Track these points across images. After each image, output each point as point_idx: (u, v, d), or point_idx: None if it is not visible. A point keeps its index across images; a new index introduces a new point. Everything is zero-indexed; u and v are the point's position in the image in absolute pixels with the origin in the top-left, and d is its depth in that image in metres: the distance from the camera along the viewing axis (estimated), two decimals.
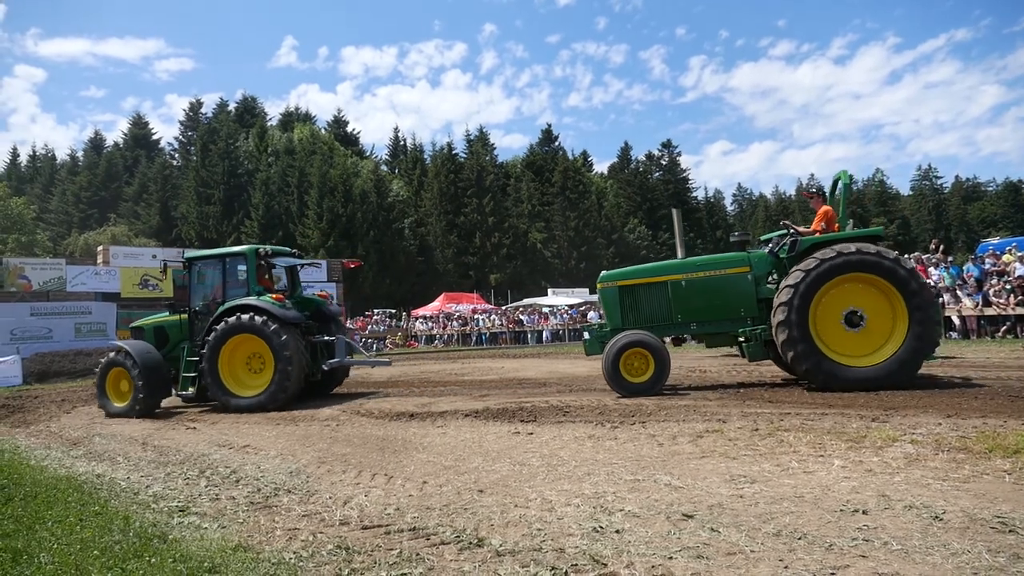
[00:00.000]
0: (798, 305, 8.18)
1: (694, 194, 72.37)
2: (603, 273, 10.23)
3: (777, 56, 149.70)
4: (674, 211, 11.40)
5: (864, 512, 3.82)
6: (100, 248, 32.34)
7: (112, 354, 11.36)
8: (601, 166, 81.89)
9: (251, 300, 10.76)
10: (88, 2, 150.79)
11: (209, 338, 10.65)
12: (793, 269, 8.43)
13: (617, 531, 3.77)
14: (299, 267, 12.75)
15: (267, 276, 12.09)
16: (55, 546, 4.04)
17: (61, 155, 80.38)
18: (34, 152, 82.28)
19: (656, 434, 6.43)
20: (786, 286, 8.32)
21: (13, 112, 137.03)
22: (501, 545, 3.67)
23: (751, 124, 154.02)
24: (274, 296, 10.87)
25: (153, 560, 3.69)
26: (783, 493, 4.28)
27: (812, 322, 8.28)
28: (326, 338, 11.65)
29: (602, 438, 6.44)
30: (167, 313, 12.02)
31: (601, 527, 3.85)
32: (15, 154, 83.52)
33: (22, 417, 12.05)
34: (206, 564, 3.58)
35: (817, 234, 9.04)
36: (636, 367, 8.99)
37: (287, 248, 12.89)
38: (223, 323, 10.59)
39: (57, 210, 66.62)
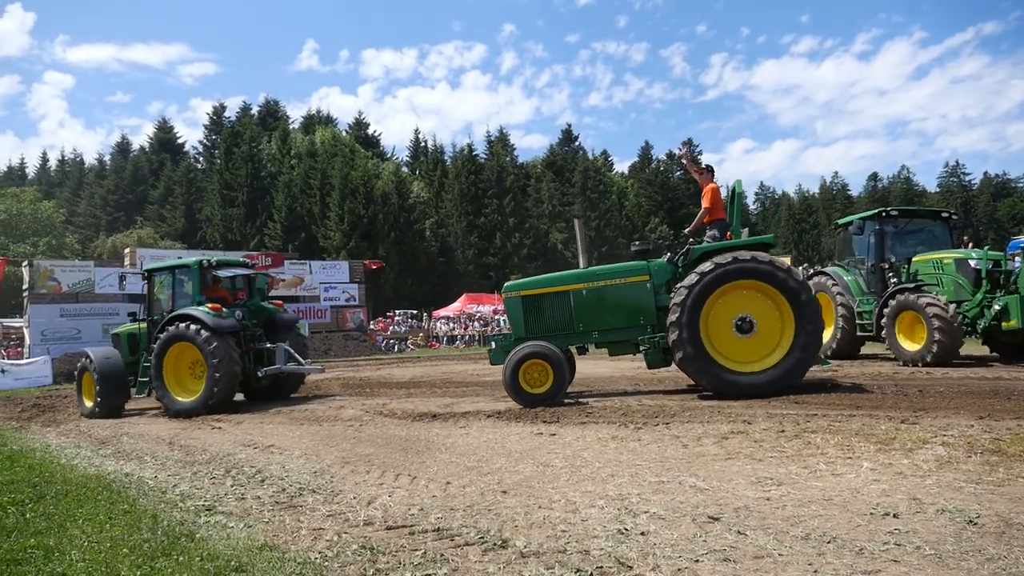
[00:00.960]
0: (690, 307, 8.25)
1: None
2: (507, 283, 10.34)
3: (800, 53, 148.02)
4: (576, 221, 11.79)
5: (895, 516, 3.75)
6: (127, 250, 32.78)
7: (83, 360, 12.17)
8: (622, 166, 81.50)
9: (189, 310, 11.33)
10: (114, 9, 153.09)
11: (154, 345, 11.37)
12: (690, 272, 8.53)
13: (642, 533, 3.73)
14: (252, 276, 13.25)
15: (225, 286, 12.75)
16: (86, 544, 4.10)
17: (89, 159, 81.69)
18: (63, 157, 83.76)
19: (680, 435, 6.38)
20: (681, 287, 8.42)
21: (43, 118, 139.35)
22: (526, 546, 3.65)
23: (773, 122, 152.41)
24: (211, 306, 11.28)
25: (181, 559, 3.72)
26: (811, 496, 4.22)
27: (703, 326, 8.36)
28: (268, 345, 12.17)
29: (625, 439, 6.41)
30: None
31: (626, 529, 3.82)
32: (45, 159, 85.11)
33: (52, 416, 12.27)
34: (233, 563, 3.60)
35: (704, 209, 9.27)
36: (536, 378, 8.95)
37: (237, 259, 14.00)
38: (165, 331, 11.29)
39: (85, 213, 67.70)
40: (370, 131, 75.65)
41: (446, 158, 67.37)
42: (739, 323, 8.38)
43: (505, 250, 56.01)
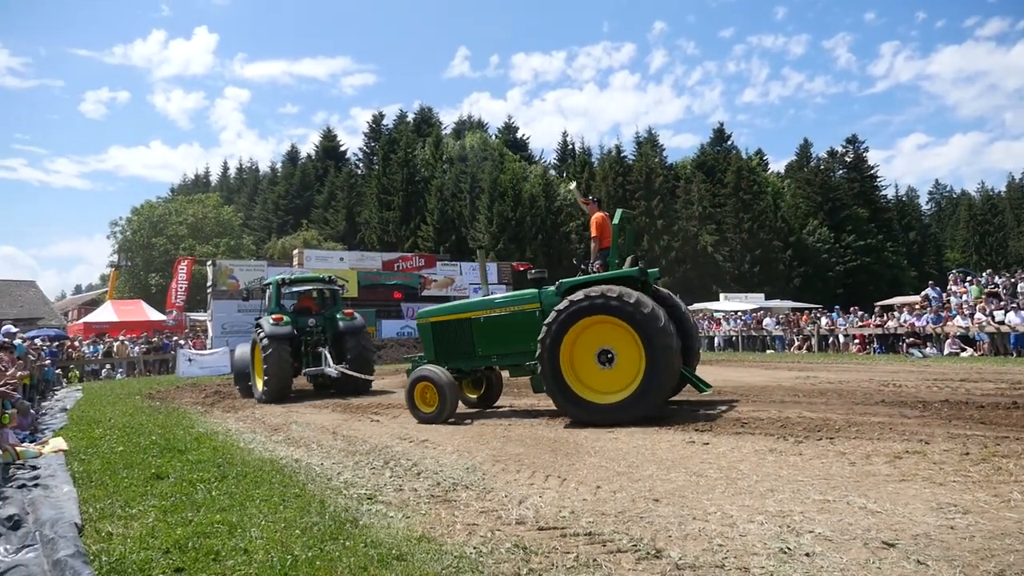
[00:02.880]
0: (550, 343, 8.49)
1: (883, 192, 66.47)
2: (419, 311, 11.29)
3: (985, 36, 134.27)
4: (479, 251, 12.53)
5: None
6: (295, 251, 35.29)
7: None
8: (777, 165, 77.84)
9: (261, 319, 14.44)
10: (286, 27, 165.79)
11: None
12: (553, 309, 8.68)
13: (807, 554, 3.52)
14: (333, 289, 15.84)
15: (312, 297, 15.78)
16: (263, 522, 4.43)
17: (263, 167, 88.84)
18: (240, 165, 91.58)
19: (846, 452, 5.97)
20: (544, 324, 8.63)
21: (223, 129, 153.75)
22: (680, 558, 3.55)
23: (952, 114, 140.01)
24: (274, 317, 13.94)
25: (347, 543, 3.94)
26: (1004, 528, 3.80)
27: (565, 359, 8.54)
28: (319, 350, 14.40)
29: (785, 452, 6.08)
30: None
31: (789, 548, 3.62)
32: (225, 167, 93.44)
33: (231, 403, 13.42)
34: (394, 552, 3.77)
35: (593, 239, 9.56)
36: (429, 398, 9.50)
37: (314, 275, 17.16)
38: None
39: (259, 217, 73.62)
40: (518, 135, 76.99)
41: (593, 160, 67.25)
42: (601, 355, 8.50)
43: (653, 253, 55.04)
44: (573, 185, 11.54)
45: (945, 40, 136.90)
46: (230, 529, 4.32)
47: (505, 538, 4.00)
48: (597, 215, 9.70)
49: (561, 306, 8.53)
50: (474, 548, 3.82)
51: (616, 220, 9.25)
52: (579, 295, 8.45)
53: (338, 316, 14.78)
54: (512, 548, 3.81)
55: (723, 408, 8.96)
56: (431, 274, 33.38)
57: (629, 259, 9.27)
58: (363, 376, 13.79)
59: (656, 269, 9.54)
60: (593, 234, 9.59)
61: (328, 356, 14.00)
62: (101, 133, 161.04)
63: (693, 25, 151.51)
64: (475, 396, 10.91)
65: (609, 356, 8.46)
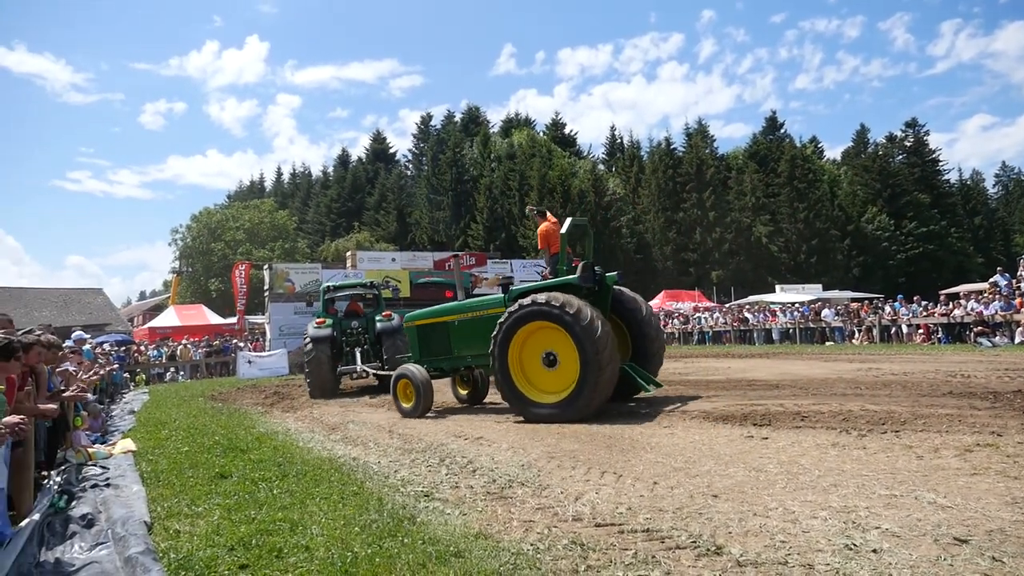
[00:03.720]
0: (500, 344, 9.07)
1: (946, 177, 64.13)
2: (407, 315, 12.03)
3: None
4: (453, 259, 13.71)
5: None
6: (348, 253, 35.86)
7: None
8: (833, 152, 75.74)
9: (309, 323, 16.28)
10: (333, 32, 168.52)
11: None
12: (505, 312, 9.29)
13: (874, 551, 3.41)
14: (374, 294, 17.38)
15: (358, 302, 17.33)
16: (323, 520, 4.51)
17: (315, 171, 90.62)
18: (294, 170, 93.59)
19: (913, 445, 5.78)
20: (496, 325, 9.21)
21: (276, 135, 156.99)
22: (742, 555, 3.48)
23: (1019, 92, 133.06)
24: (318, 320, 15.69)
25: (406, 540, 3.98)
26: None
27: (514, 358, 9.13)
28: (355, 350, 15.41)
29: (848, 447, 5.92)
30: None
31: (855, 544, 3.51)
32: (279, 173, 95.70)
33: (290, 404, 13.71)
34: (452, 548, 3.79)
35: (542, 248, 10.42)
36: (409, 395, 10.39)
37: (356, 281, 18.76)
38: None
39: (313, 220, 75.14)
40: (566, 130, 76.69)
41: (643, 153, 66.57)
42: (545, 357, 8.99)
43: (705, 245, 54.26)
44: (528, 208, 12.08)
45: (1010, 15, 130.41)
46: (292, 527, 4.40)
47: (562, 535, 3.98)
48: (542, 226, 10.35)
49: (511, 309, 9.12)
50: (531, 545, 3.82)
51: (564, 230, 9.66)
52: (527, 300, 9.01)
53: (377, 318, 15.88)
54: (569, 545, 3.79)
55: (783, 402, 8.76)
56: (481, 272, 33.51)
57: (581, 265, 9.56)
58: (389, 373, 14.31)
59: (615, 273, 10.05)
60: (540, 245, 10.47)
61: (359, 355, 15.14)
62: (160, 144, 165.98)
63: (742, 12, 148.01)
64: (465, 392, 11.72)
65: (552, 359, 8.95)
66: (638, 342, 9.81)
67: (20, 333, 6.04)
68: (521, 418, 9.02)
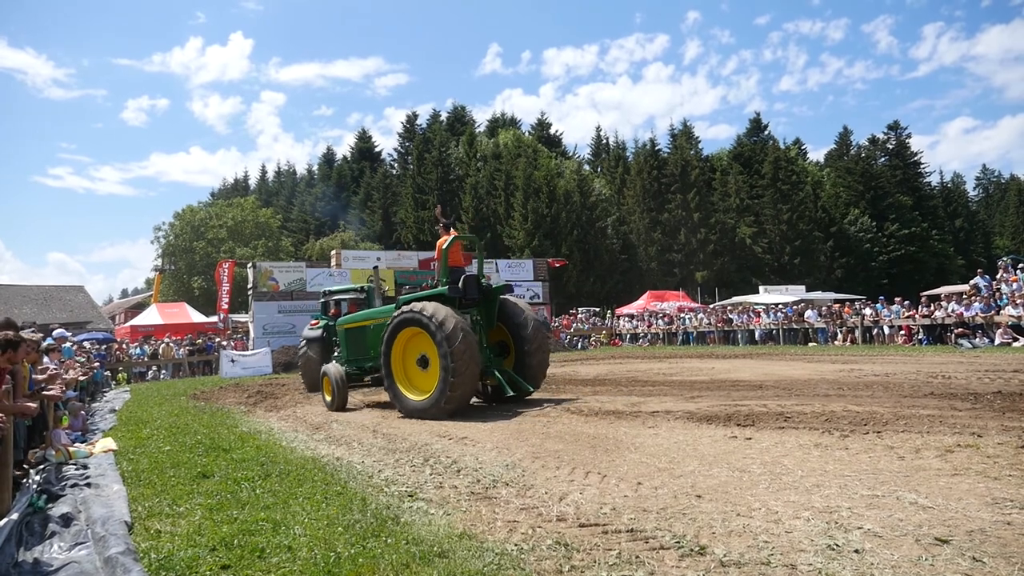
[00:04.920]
0: (385, 347, 10.32)
1: (927, 179, 64.85)
2: (339, 319, 13.47)
3: None
4: (374, 268, 14.95)
5: None
6: (333, 252, 35.66)
7: None
8: (816, 154, 76.48)
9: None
10: (319, 29, 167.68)
11: None
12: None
13: (856, 551, 3.44)
14: (361, 298, 17.33)
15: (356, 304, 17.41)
16: (306, 520, 4.48)
17: (300, 169, 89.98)
18: (279, 168, 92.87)
19: (895, 446, 5.83)
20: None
21: (260, 133, 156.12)
22: (725, 555, 3.50)
23: (1000, 96, 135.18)
24: (313, 322, 17.07)
25: (389, 540, 3.96)
26: None
27: (397, 360, 10.38)
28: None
29: (831, 447, 5.96)
30: None
31: (837, 545, 3.54)
32: (263, 171, 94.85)
33: (273, 403, 13.62)
34: (435, 549, 3.77)
35: (435, 261, 11.61)
36: (329, 389, 11.67)
37: (349, 287, 18.61)
38: None
39: (297, 219, 74.65)
40: (552, 131, 76.82)
41: (628, 154, 66.78)
42: (420, 360, 10.02)
43: (690, 246, 54.50)
44: (437, 211, 12.96)
45: (991, 19, 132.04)
46: (274, 527, 4.37)
47: (546, 535, 3.98)
48: (439, 241, 11.02)
49: (393, 316, 10.31)
50: (515, 545, 3.81)
51: (445, 246, 10.67)
52: (405, 308, 10.07)
53: None
54: (553, 545, 3.79)
55: (766, 403, 8.81)
56: (468, 272, 33.47)
57: (463, 278, 10.57)
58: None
59: (503, 284, 11.41)
60: (436, 256, 11.36)
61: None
62: (142, 140, 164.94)
63: (727, 13, 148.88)
64: None
65: (425, 360, 9.92)
66: (518, 350, 10.79)
67: None
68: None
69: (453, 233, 10.85)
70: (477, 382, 10.04)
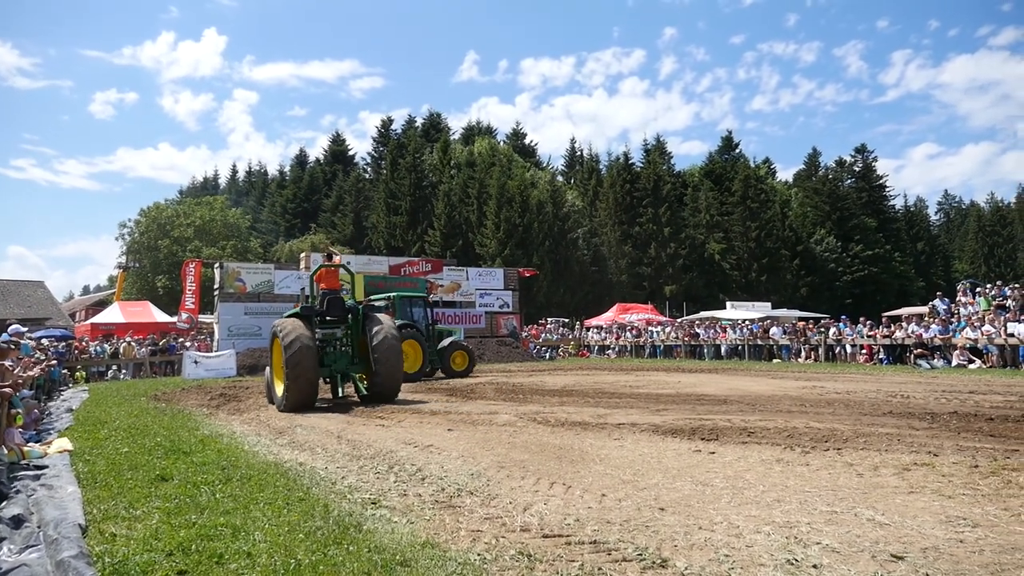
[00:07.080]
0: (269, 353, 13.11)
1: (891, 202, 66.34)
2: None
3: (999, 46, 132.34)
4: (300, 291, 15.94)
5: None
6: (302, 255, 35.32)
7: None
8: (786, 173, 77.87)
9: None
10: (293, 29, 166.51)
11: None
12: None
13: (814, 566, 3.49)
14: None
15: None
16: (267, 526, 4.42)
17: (272, 170, 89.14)
18: (249, 168, 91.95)
19: (854, 463, 5.93)
20: None
21: (231, 131, 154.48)
22: (687, 568, 3.52)
23: (964, 124, 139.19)
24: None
25: (351, 548, 3.92)
26: (1014, 542, 3.76)
27: (276, 364, 12.42)
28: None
29: (792, 463, 6.04)
30: None
31: (796, 560, 3.58)
32: (234, 170, 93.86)
33: (236, 406, 13.41)
34: (398, 557, 3.74)
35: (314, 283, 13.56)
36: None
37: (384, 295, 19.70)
38: None
39: (267, 220, 73.87)
40: (527, 140, 77.15)
41: (601, 167, 67.26)
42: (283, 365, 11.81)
43: (660, 260, 54.99)
44: (326, 250, 15.05)
45: (958, 49, 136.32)
46: (234, 532, 4.30)
47: (509, 545, 3.97)
48: (318, 267, 13.43)
49: (271, 327, 12.47)
50: (478, 555, 3.80)
51: (311, 273, 13.52)
52: (276, 322, 12.35)
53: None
54: (516, 555, 3.78)
55: (730, 418, 8.90)
56: (437, 279, 33.38)
57: (327, 299, 12.57)
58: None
59: (367, 301, 14.36)
60: (315, 279, 13.36)
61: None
62: (109, 134, 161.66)
63: (704, 31, 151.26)
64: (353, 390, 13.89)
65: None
66: (372, 361, 12.33)
67: None
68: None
69: (332, 262, 13.58)
70: (313, 385, 11.91)
